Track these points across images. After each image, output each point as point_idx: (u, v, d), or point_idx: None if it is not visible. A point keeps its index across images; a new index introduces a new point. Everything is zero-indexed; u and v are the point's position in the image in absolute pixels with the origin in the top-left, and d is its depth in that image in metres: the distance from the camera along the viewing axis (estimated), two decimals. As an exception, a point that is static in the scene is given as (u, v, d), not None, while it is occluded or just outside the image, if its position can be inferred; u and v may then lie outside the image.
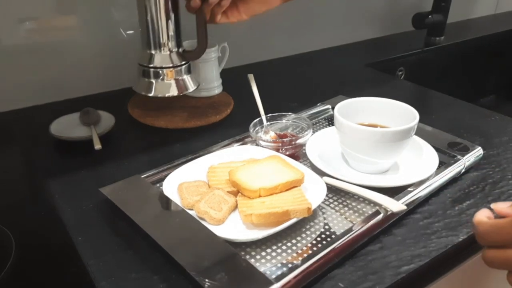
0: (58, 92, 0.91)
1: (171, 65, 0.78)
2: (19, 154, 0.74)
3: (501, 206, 0.42)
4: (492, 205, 0.43)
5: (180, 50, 0.80)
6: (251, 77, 0.78)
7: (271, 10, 1.13)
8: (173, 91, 0.79)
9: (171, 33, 0.77)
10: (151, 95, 0.79)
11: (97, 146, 0.71)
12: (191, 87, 0.81)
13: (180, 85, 0.80)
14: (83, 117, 0.80)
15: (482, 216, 0.42)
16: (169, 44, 0.78)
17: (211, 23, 0.75)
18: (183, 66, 0.80)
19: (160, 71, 0.78)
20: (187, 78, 0.81)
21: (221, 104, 0.89)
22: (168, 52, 0.78)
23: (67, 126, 0.77)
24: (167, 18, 0.76)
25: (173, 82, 0.79)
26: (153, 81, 0.79)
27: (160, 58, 0.78)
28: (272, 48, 1.19)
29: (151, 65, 0.78)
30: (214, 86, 0.92)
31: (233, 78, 0.93)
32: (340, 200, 0.60)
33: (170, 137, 0.79)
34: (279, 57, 1.21)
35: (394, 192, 0.59)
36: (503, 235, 0.40)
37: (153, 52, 0.78)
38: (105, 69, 0.96)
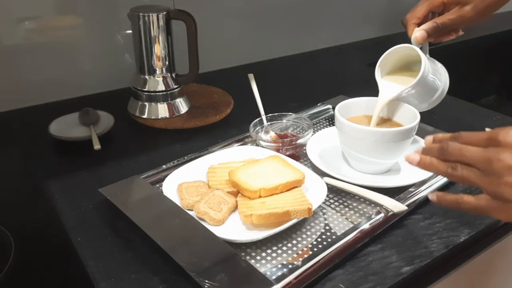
0: (57, 92, 0.91)
1: (163, 89, 0.82)
2: (19, 154, 0.74)
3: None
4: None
5: (173, 75, 0.84)
6: (251, 77, 0.78)
7: (271, 10, 1.14)
8: (165, 114, 0.83)
9: (164, 59, 0.81)
10: (144, 117, 0.83)
11: (97, 146, 0.71)
12: (183, 109, 0.85)
13: (172, 108, 0.84)
14: (82, 117, 0.79)
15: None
16: (162, 69, 0.82)
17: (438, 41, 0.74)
18: (176, 90, 0.84)
19: (153, 95, 0.82)
20: (179, 101, 0.85)
21: (221, 104, 0.89)
22: (161, 77, 0.82)
23: (66, 126, 0.77)
24: (160, 45, 0.80)
25: (165, 105, 0.83)
26: (146, 104, 0.83)
27: (153, 82, 0.82)
28: (272, 48, 1.19)
29: (145, 89, 0.82)
30: None
31: (233, 78, 0.93)
32: (340, 201, 0.60)
33: (169, 137, 0.78)
34: (279, 57, 1.20)
35: (395, 192, 0.59)
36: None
37: (146, 77, 0.82)
38: (104, 69, 0.95)
